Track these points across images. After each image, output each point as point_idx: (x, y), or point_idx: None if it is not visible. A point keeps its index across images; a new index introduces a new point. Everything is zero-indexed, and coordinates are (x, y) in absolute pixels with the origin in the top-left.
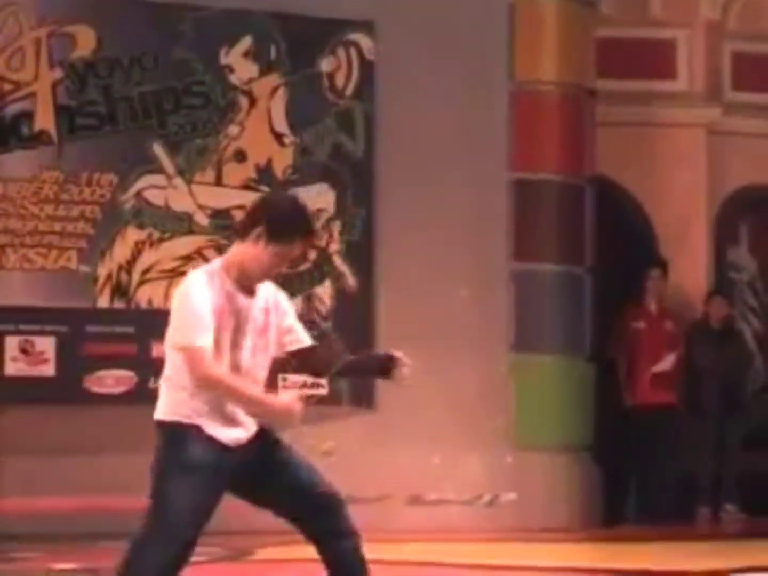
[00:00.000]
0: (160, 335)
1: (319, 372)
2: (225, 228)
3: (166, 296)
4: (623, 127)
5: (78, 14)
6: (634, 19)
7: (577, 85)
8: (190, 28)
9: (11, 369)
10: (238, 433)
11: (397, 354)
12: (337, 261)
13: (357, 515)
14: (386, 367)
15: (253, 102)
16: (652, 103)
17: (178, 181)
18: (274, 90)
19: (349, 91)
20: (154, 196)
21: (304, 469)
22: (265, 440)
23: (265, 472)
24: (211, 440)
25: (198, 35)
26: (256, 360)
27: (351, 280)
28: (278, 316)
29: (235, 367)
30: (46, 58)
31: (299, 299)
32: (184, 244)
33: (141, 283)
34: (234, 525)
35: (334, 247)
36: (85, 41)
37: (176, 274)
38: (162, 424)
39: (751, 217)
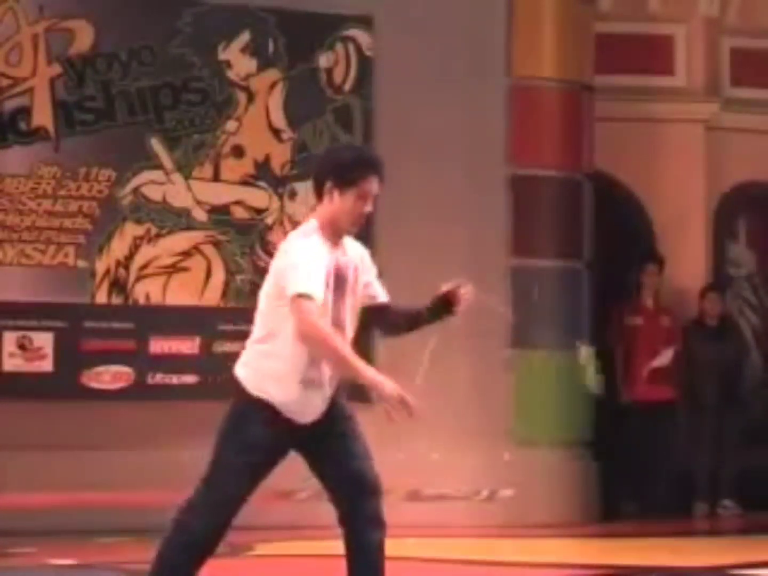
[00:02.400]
0: (158, 331)
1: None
2: (223, 223)
3: (164, 292)
4: (621, 123)
5: (76, 9)
6: (633, 15)
7: (576, 80)
8: (188, 23)
9: (9, 365)
10: (315, 415)
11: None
12: None
13: None
14: (448, 305)
15: (251, 97)
16: (650, 99)
17: (176, 176)
18: (273, 85)
19: (347, 86)
20: (152, 192)
21: (362, 447)
22: (336, 412)
23: (327, 442)
24: (287, 422)
25: (196, 30)
26: (351, 318)
27: None
28: (364, 272)
29: (339, 326)
30: (44, 53)
31: None
32: (183, 240)
33: (139, 278)
34: (234, 520)
35: None
36: (83, 37)
37: (174, 269)
38: (244, 393)
39: (750, 212)
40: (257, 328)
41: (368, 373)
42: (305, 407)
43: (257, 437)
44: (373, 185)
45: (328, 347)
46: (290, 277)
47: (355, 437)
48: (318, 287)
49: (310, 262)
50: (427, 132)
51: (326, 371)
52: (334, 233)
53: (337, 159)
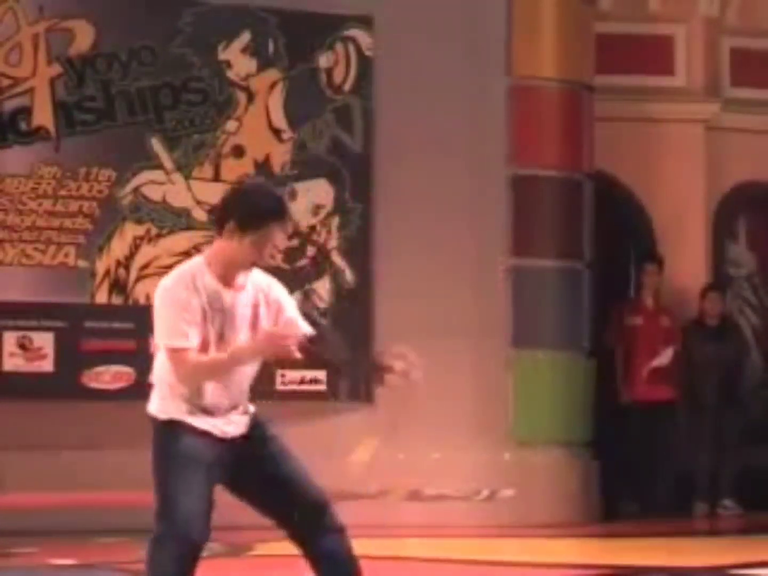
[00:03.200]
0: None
1: (322, 363)
2: None
3: None
4: (621, 123)
5: (76, 9)
6: (633, 15)
7: (576, 80)
8: (189, 23)
9: (9, 365)
10: (232, 431)
11: (387, 359)
12: (336, 257)
13: (356, 511)
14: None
15: (251, 97)
16: (650, 99)
17: (177, 176)
18: (273, 85)
19: (347, 86)
20: (152, 192)
21: (294, 464)
22: (257, 434)
23: (255, 466)
24: (203, 433)
25: (196, 31)
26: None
27: (349, 276)
28: (270, 309)
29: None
30: (45, 53)
31: (297, 295)
32: (183, 240)
33: (139, 278)
34: (233, 520)
35: (333, 242)
36: (84, 37)
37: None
38: (156, 421)
39: (750, 212)
40: (154, 363)
41: (243, 352)
42: (214, 427)
43: (190, 446)
44: (275, 235)
45: (207, 372)
46: (158, 324)
47: (285, 456)
48: (183, 333)
49: (176, 308)
50: (427, 132)
51: (216, 398)
52: (225, 270)
53: (244, 201)
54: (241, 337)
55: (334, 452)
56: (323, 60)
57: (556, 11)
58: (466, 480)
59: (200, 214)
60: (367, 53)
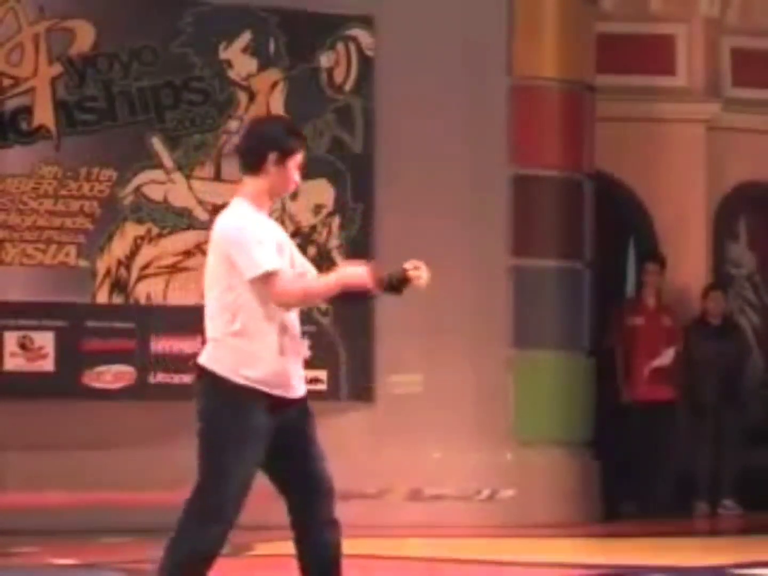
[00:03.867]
0: (159, 330)
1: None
2: None
3: (165, 291)
4: (622, 123)
5: (77, 9)
6: (634, 15)
7: (577, 80)
8: (190, 23)
9: (10, 364)
10: (298, 389)
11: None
12: (337, 256)
13: (356, 510)
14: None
15: (252, 97)
16: (651, 99)
17: (177, 176)
18: (273, 85)
19: (348, 86)
20: (153, 192)
21: (319, 448)
22: (304, 407)
23: (291, 437)
24: (276, 400)
25: (197, 30)
26: None
27: None
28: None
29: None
30: (45, 53)
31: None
32: (184, 240)
33: (140, 278)
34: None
35: (334, 242)
36: (84, 36)
37: (175, 269)
38: (223, 382)
39: (751, 212)
40: (215, 318)
41: (335, 281)
42: (288, 379)
43: (258, 425)
44: (298, 158)
45: (305, 297)
46: (242, 262)
47: (314, 437)
48: (271, 258)
49: (257, 239)
50: (428, 132)
51: (296, 339)
52: (264, 205)
53: (278, 131)
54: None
55: (335, 451)
56: (324, 60)
57: (557, 11)
58: (467, 480)
59: (201, 214)
60: (368, 53)
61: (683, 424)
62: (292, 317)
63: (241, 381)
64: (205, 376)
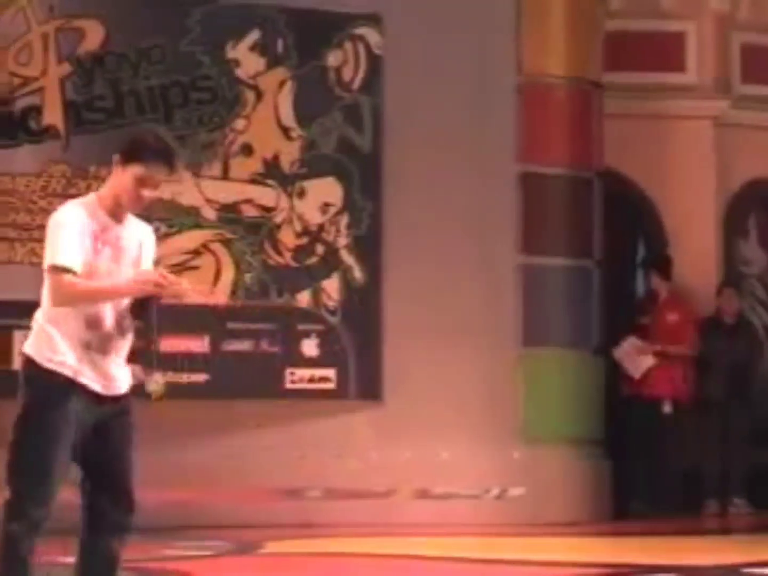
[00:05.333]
0: (167, 330)
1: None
2: (232, 222)
3: None
4: (632, 120)
5: (86, 9)
6: (644, 12)
7: (585, 78)
8: (197, 22)
9: (19, 363)
10: (112, 387)
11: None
12: (345, 255)
13: (365, 509)
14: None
15: (259, 96)
16: (661, 96)
17: (186, 175)
18: (281, 84)
19: (356, 84)
20: (162, 190)
21: (125, 452)
22: (117, 408)
23: (98, 436)
24: (85, 391)
25: (205, 29)
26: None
27: (359, 274)
28: (145, 253)
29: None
30: (55, 52)
31: (307, 293)
32: (192, 238)
33: None
34: (243, 518)
35: (342, 241)
36: (93, 36)
37: (184, 268)
38: (34, 365)
39: (761, 210)
40: (40, 305)
41: (126, 284)
42: (96, 374)
43: (62, 411)
44: (153, 172)
45: (84, 295)
46: (47, 247)
47: (124, 439)
48: (68, 254)
49: (64, 233)
50: (436, 130)
51: (111, 338)
52: (114, 206)
53: (129, 137)
54: (123, 273)
55: (343, 450)
56: (332, 58)
57: (564, 8)
58: (476, 478)
59: (209, 213)
60: (376, 51)
61: (693, 421)
62: (108, 315)
63: (45, 364)
64: (23, 360)
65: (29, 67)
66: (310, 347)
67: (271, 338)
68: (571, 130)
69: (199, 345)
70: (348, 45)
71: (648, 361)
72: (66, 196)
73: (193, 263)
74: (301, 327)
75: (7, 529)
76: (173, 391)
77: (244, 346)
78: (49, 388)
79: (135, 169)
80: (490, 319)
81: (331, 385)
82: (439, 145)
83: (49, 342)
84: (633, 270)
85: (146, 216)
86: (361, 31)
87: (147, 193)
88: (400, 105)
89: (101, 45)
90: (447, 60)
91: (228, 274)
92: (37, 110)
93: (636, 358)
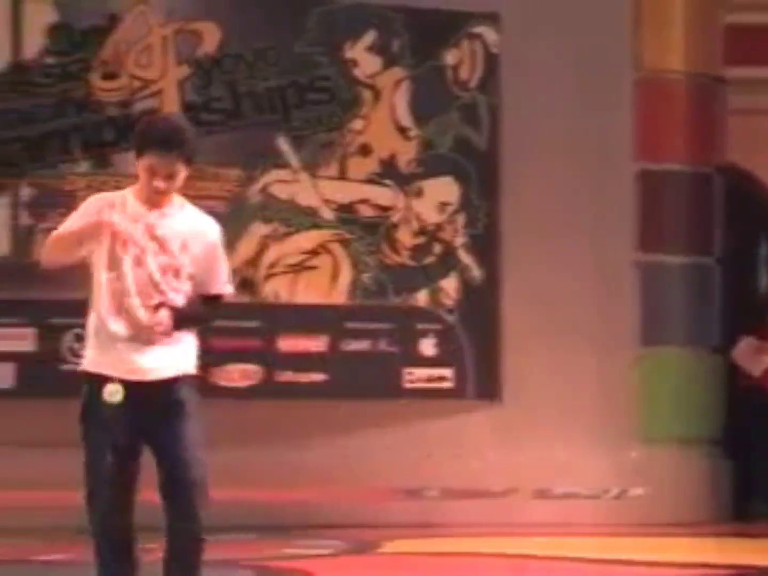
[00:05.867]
0: (286, 329)
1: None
2: (350, 222)
3: (292, 290)
4: (759, 116)
5: (203, 11)
6: (766, 4)
7: (705, 73)
8: (314, 22)
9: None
10: (138, 372)
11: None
12: (462, 254)
13: (483, 509)
14: None
15: (377, 96)
16: None
17: (303, 175)
18: (398, 83)
19: (473, 83)
20: (280, 191)
21: (178, 443)
22: (168, 398)
23: (155, 425)
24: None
25: (322, 29)
26: (167, 279)
27: (476, 273)
28: (197, 248)
29: (142, 282)
30: (173, 55)
31: (424, 293)
32: (310, 238)
33: (267, 277)
34: (361, 518)
35: (459, 240)
36: (211, 38)
37: (302, 268)
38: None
39: None
40: None
41: (80, 226)
42: (118, 360)
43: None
44: (152, 160)
45: (48, 246)
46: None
47: (178, 425)
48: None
49: (70, 217)
50: (554, 128)
51: (131, 323)
52: (147, 198)
53: (138, 127)
54: (155, 261)
55: (462, 450)
56: (449, 57)
57: (684, 3)
58: (594, 479)
59: (327, 213)
60: (494, 50)
61: None
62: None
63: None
64: None
65: (148, 70)
66: (427, 347)
67: (388, 338)
68: (690, 126)
69: (317, 345)
70: (465, 44)
71: (767, 360)
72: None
73: (311, 263)
74: (418, 326)
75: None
76: (292, 391)
77: (362, 345)
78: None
79: (143, 161)
80: (608, 318)
81: (448, 385)
82: (556, 143)
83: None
84: (756, 268)
85: (264, 216)
86: (479, 29)
87: (159, 184)
88: (517, 103)
89: (218, 47)
90: (564, 57)
91: (345, 274)
92: (156, 112)
93: (754, 357)
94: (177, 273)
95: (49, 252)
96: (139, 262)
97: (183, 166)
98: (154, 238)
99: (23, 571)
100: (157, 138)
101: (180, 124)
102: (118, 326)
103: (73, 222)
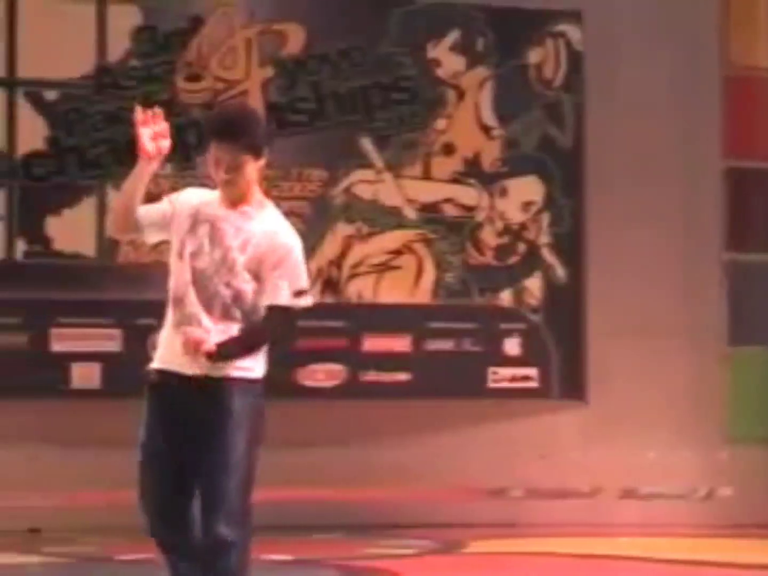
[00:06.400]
0: (370, 329)
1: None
2: (433, 221)
3: (376, 290)
4: None
5: (287, 12)
6: None
7: None
8: (398, 22)
9: None
10: (185, 365)
11: None
12: (546, 253)
13: (568, 509)
14: None
15: (460, 95)
16: None
17: (387, 175)
18: (482, 83)
19: (557, 82)
20: (364, 191)
21: (217, 454)
22: (215, 399)
23: (193, 426)
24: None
25: (405, 30)
26: (220, 274)
27: (560, 273)
28: (262, 252)
29: (195, 270)
30: (257, 56)
31: (509, 292)
32: (394, 238)
33: (351, 277)
34: (446, 517)
35: (544, 239)
36: (295, 39)
37: (386, 268)
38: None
39: None
40: None
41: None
42: (172, 352)
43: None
44: (213, 150)
45: (111, 212)
46: None
47: (220, 435)
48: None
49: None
50: (639, 126)
51: (189, 315)
52: (225, 196)
53: (206, 118)
54: (214, 255)
55: (547, 450)
56: (533, 56)
57: None
58: (682, 478)
59: (411, 213)
60: (578, 48)
61: None
62: (190, 291)
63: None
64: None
65: (233, 71)
66: (512, 346)
67: (472, 337)
68: None
69: (401, 344)
70: (549, 42)
71: None
72: (269, 198)
73: (395, 263)
74: (503, 326)
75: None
76: (376, 391)
77: (446, 345)
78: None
79: (209, 152)
80: (695, 317)
81: (533, 384)
82: (641, 141)
83: None
84: None
85: (348, 217)
86: (562, 27)
87: (222, 175)
88: (601, 102)
89: (302, 48)
90: (649, 55)
91: (429, 274)
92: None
93: None
94: (231, 268)
95: (112, 220)
96: (197, 254)
97: (249, 157)
98: (216, 230)
99: (107, 569)
100: (218, 127)
101: (244, 113)
102: (172, 316)
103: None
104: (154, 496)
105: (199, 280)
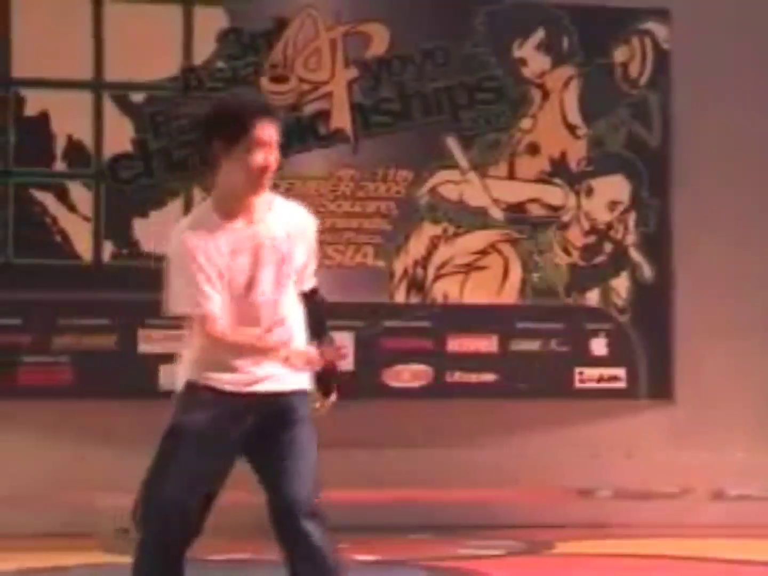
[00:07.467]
0: (456, 329)
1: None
2: (519, 222)
3: (462, 290)
4: None
5: (371, 13)
6: None
7: None
8: (482, 22)
9: None
10: (242, 382)
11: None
12: (633, 253)
13: (656, 510)
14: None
15: (545, 94)
16: None
17: (472, 175)
18: (567, 82)
19: (643, 80)
20: (449, 191)
21: (295, 465)
22: (285, 411)
23: (264, 443)
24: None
25: (490, 29)
26: (280, 291)
27: (648, 273)
28: (300, 243)
29: (254, 306)
30: (342, 57)
31: (595, 292)
32: (479, 239)
33: (437, 277)
34: (533, 518)
35: (630, 238)
36: (379, 39)
37: (472, 268)
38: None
39: None
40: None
41: (275, 352)
42: (222, 369)
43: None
44: (264, 129)
45: (233, 345)
46: (176, 290)
47: (295, 446)
48: (206, 299)
49: (192, 272)
50: (727, 125)
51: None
52: (229, 206)
53: (217, 113)
54: (268, 275)
55: (635, 450)
56: (618, 54)
57: None
58: None
59: (496, 213)
60: (664, 46)
61: None
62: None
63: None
64: None
65: (318, 72)
66: (599, 346)
67: (559, 338)
68: None
69: (487, 344)
70: (635, 40)
71: None
72: (354, 199)
73: (481, 263)
74: (589, 326)
75: None
76: (462, 391)
77: (532, 345)
78: None
79: (249, 138)
80: None
81: (621, 385)
82: (729, 140)
83: None
84: None
85: (434, 217)
86: (648, 25)
87: (270, 158)
88: (689, 100)
89: (387, 48)
90: (736, 53)
91: (516, 274)
92: (325, 115)
93: None
94: (288, 276)
95: (232, 343)
96: (252, 286)
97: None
98: (258, 253)
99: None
100: (260, 108)
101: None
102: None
103: (203, 274)
104: (182, 489)
105: (259, 311)
